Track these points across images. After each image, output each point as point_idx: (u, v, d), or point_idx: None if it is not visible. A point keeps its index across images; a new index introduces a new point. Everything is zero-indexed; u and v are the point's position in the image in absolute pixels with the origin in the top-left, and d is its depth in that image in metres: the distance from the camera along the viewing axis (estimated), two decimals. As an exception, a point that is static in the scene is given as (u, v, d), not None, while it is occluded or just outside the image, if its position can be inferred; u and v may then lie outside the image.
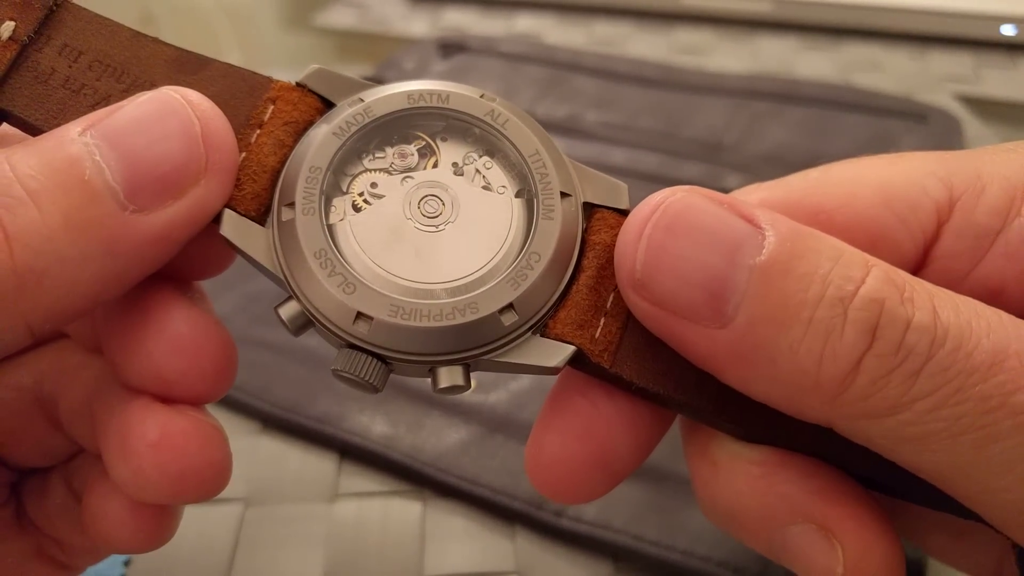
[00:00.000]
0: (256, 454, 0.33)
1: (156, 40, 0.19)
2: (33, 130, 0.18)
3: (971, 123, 0.51)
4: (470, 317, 0.17)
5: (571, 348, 0.18)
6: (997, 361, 0.15)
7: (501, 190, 0.19)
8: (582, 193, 0.19)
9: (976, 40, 0.60)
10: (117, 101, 0.18)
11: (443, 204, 0.19)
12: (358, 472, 0.32)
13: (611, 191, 0.19)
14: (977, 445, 0.15)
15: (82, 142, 0.16)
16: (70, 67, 0.18)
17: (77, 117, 0.17)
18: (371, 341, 0.17)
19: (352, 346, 0.17)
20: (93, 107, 0.18)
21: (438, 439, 0.32)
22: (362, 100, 0.19)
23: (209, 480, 0.18)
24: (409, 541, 0.30)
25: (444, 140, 0.19)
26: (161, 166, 0.16)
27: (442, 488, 0.31)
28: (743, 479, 0.19)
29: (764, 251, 0.16)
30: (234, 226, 0.18)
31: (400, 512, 0.31)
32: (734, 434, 0.19)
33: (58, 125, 0.17)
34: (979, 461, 0.15)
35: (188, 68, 0.19)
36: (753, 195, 0.20)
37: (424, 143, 0.19)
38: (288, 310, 0.18)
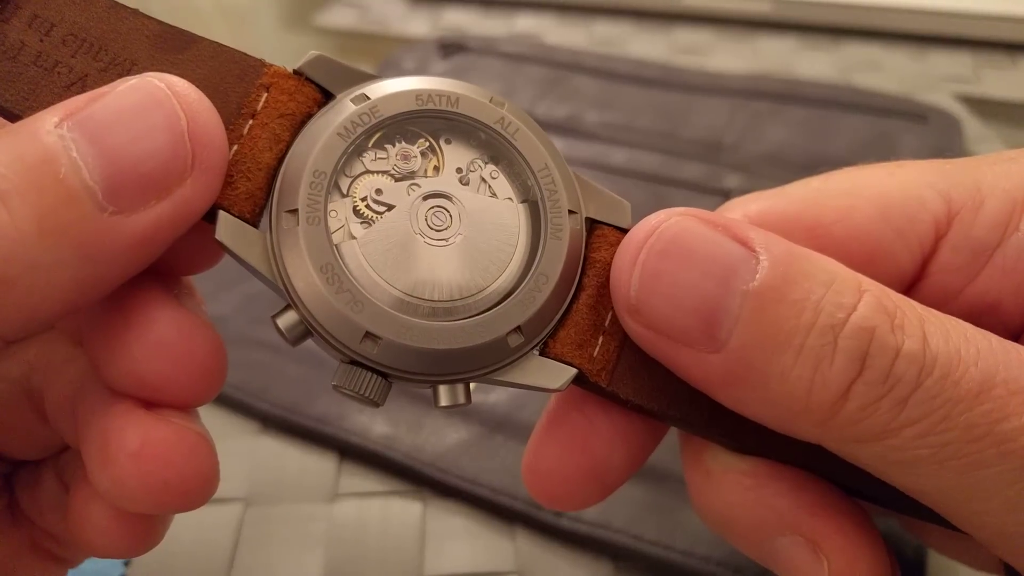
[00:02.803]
0: (256, 454, 0.33)
1: (136, 12, 0.17)
2: (3, 112, 0.16)
3: (971, 123, 0.50)
4: (478, 340, 0.17)
5: (572, 371, 0.18)
6: (984, 389, 0.15)
7: (507, 201, 0.19)
8: (585, 209, 0.19)
9: (976, 40, 0.60)
10: (95, 81, 0.16)
11: (450, 216, 0.18)
12: (358, 472, 0.32)
13: (613, 208, 0.19)
14: (963, 471, 0.15)
15: (58, 134, 0.15)
16: (41, 41, 0.16)
17: (51, 98, 0.16)
18: (378, 360, 0.17)
19: (355, 362, 0.17)
20: (68, 87, 0.16)
21: (438, 439, 0.32)
22: (367, 97, 0.18)
23: (194, 490, 0.17)
24: (409, 541, 0.30)
25: (448, 143, 0.19)
26: (143, 164, 0.15)
27: (442, 488, 0.31)
28: (734, 489, 0.19)
29: (757, 276, 0.16)
30: (229, 230, 0.17)
31: (400, 512, 0.31)
32: (727, 446, 0.19)
33: (30, 107, 0.16)
34: (965, 486, 0.15)
35: (173, 46, 0.17)
36: (752, 205, 0.20)
37: (427, 144, 0.19)
38: (286, 320, 0.17)
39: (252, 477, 0.32)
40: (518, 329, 0.17)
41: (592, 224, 0.19)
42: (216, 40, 0.18)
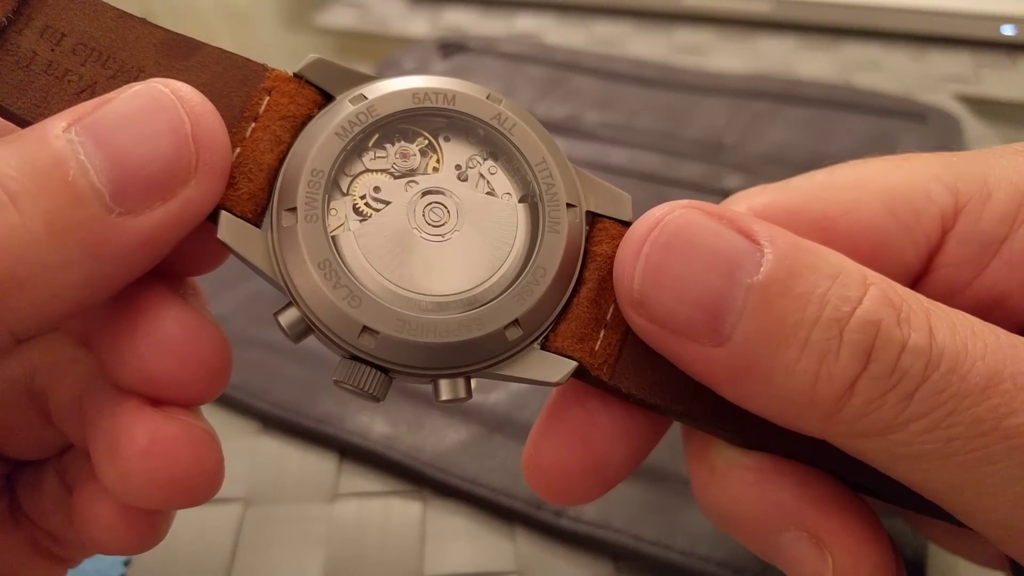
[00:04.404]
0: (256, 454, 0.33)
1: (144, 21, 0.18)
2: (15, 119, 0.17)
3: (971, 123, 0.51)
4: (476, 333, 0.17)
5: (572, 364, 0.18)
6: (991, 384, 0.15)
7: (505, 197, 0.19)
8: (585, 202, 0.19)
9: (976, 40, 0.60)
10: (103, 88, 0.17)
11: (448, 212, 0.18)
12: (358, 472, 0.32)
13: (614, 201, 0.19)
14: (969, 466, 0.15)
15: (66, 139, 0.15)
16: (52, 51, 0.17)
17: (61, 106, 0.16)
18: (376, 355, 0.17)
19: (355, 357, 0.17)
20: (78, 95, 0.17)
21: (438, 439, 0.32)
22: (365, 97, 0.18)
23: (200, 486, 0.18)
24: (409, 541, 0.30)
25: (447, 140, 0.19)
26: (149, 166, 0.16)
27: (442, 488, 0.31)
28: (739, 485, 0.19)
29: (762, 269, 0.16)
30: (231, 229, 0.17)
31: (400, 512, 0.31)
32: (731, 441, 0.19)
33: (41, 114, 0.16)
34: (971, 481, 0.15)
35: (178, 53, 0.18)
36: (757, 198, 0.20)
37: (427, 142, 0.19)
38: (288, 317, 0.17)
39: (252, 477, 0.32)
40: (516, 322, 0.17)
41: (593, 218, 0.19)
42: (219, 45, 0.18)
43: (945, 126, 0.49)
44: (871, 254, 0.19)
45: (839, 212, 0.19)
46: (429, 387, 0.18)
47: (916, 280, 0.20)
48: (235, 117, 0.18)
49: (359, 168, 0.18)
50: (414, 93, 0.18)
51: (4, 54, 0.17)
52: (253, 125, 0.18)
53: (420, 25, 0.66)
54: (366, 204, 0.18)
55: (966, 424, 0.15)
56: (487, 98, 0.19)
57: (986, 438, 0.15)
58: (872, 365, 0.15)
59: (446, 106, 0.19)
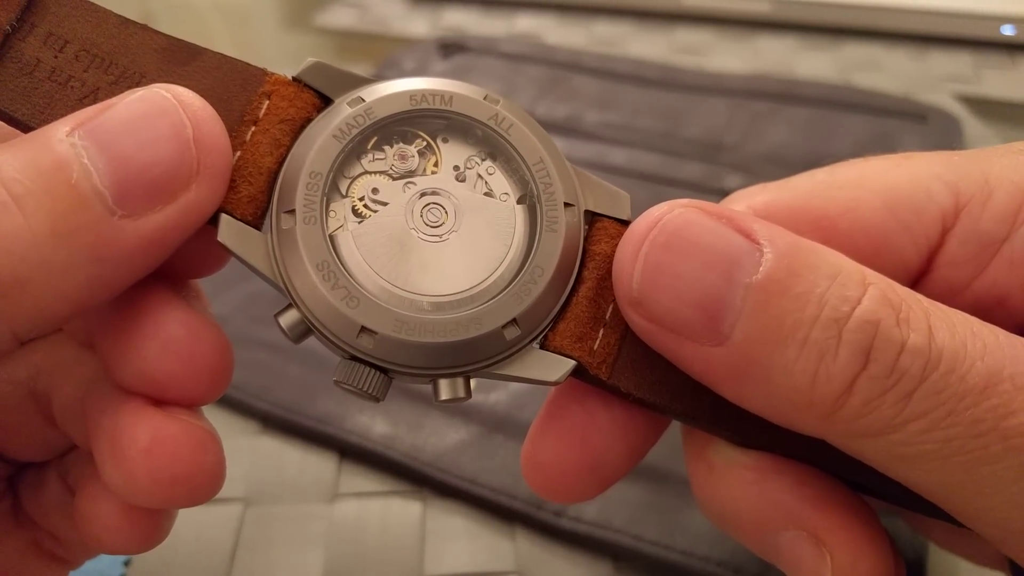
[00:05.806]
0: (256, 454, 0.33)
1: (145, 28, 0.18)
2: (19, 125, 0.17)
3: (971, 123, 0.51)
4: (474, 333, 0.17)
5: (571, 363, 0.18)
6: (990, 384, 0.15)
7: (504, 197, 0.19)
8: (584, 202, 0.19)
9: (976, 40, 0.60)
10: (106, 94, 0.17)
11: (446, 213, 0.18)
12: (358, 472, 0.32)
13: (613, 200, 0.19)
14: (967, 467, 0.15)
15: (69, 143, 0.16)
16: (56, 57, 0.17)
17: (65, 111, 0.17)
18: (375, 355, 0.17)
19: (354, 358, 0.17)
20: (81, 101, 0.17)
21: (438, 439, 0.32)
22: (363, 100, 0.18)
23: (201, 485, 0.18)
24: (409, 541, 0.30)
25: (445, 141, 0.19)
26: (151, 170, 0.16)
27: (442, 488, 0.31)
28: (738, 484, 0.19)
29: (761, 269, 0.16)
30: (231, 232, 0.17)
31: (400, 512, 0.31)
32: (730, 440, 0.19)
33: (44, 120, 0.17)
34: (969, 482, 0.15)
35: (179, 59, 0.18)
36: (758, 197, 0.20)
37: (425, 143, 0.19)
38: (288, 319, 0.17)
39: (252, 477, 0.32)
40: (514, 322, 0.17)
41: (592, 217, 0.19)
42: (218, 45, 0.18)
43: (945, 126, 0.49)
44: (871, 253, 0.19)
45: (839, 211, 0.19)
46: (429, 387, 0.18)
47: (916, 280, 0.20)
48: (235, 121, 0.18)
49: (358, 170, 0.18)
50: (411, 95, 0.19)
51: (8, 61, 0.17)
52: (253, 129, 0.18)
53: (420, 25, 0.66)
54: (364, 205, 0.18)
55: (965, 424, 0.15)
56: (484, 99, 0.19)
57: (984, 438, 0.15)
58: (871, 365, 0.15)
59: (443, 107, 0.19)
